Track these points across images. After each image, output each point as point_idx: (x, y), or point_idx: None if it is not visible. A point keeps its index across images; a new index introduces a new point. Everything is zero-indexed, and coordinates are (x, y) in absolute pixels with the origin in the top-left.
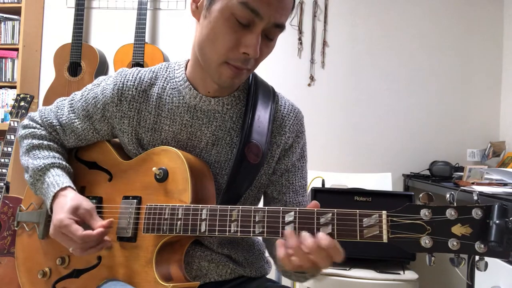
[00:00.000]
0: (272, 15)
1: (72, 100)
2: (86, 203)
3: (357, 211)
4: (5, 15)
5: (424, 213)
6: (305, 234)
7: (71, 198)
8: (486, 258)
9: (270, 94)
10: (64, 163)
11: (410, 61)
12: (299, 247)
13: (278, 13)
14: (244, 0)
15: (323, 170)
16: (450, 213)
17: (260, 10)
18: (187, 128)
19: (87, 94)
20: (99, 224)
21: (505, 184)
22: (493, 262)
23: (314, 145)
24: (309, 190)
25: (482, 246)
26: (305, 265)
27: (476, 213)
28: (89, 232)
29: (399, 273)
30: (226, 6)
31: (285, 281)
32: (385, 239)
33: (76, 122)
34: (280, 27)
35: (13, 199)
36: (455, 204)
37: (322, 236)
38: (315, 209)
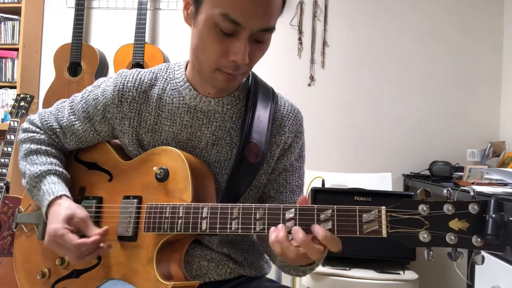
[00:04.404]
0: (254, 23)
1: (72, 102)
2: (80, 212)
3: (357, 207)
4: (5, 15)
5: (422, 208)
6: (296, 229)
7: (65, 208)
8: (484, 253)
9: (270, 94)
10: (60, 169)
11: (410, 61)
12: (286, 241)
13: (261, 19)
14: (224, 11)
15: (323, 170)
16: (448, 208)
17: (241, 20)
18: (187, 128)
19: (88, 96)
20: (95, 232)
21: (505, 184)
22: (493, 262)
23: (314, 145)
24: (309, 190)
25: (479, 240)
26: (295, 257)
27: (473, 208)
28: (84, 240)
29: (399, 273)
30: (209, 17)
31: (285, 281)
32: (384, 234)
33: (76, 124)
34: (268, 30)
35: (13, 199)
36: (452, 200)
37: (317, 229)
38: (315, 205)
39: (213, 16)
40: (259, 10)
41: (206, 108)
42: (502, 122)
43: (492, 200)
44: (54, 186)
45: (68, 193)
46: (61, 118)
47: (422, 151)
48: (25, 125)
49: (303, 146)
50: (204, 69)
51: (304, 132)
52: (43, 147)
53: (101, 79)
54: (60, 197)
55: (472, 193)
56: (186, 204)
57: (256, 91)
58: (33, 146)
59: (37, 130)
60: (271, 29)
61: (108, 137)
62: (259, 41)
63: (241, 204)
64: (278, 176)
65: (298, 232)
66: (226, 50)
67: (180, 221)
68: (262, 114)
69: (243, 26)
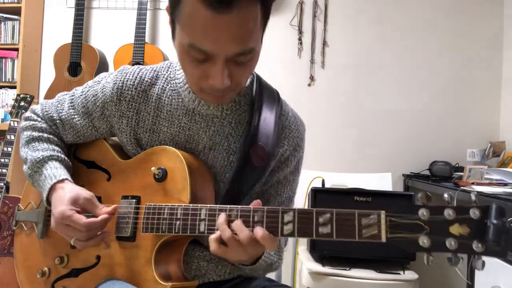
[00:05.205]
0: (226, 49)
1: (73, 95)
2: (85, 193)
3: (356, 211)
4: (5, 15)
5: (422, 213)
6: (238, 225)
7: (69, 190)
8: (484, 259)
9: (275, 97)
10: (62, 156)
11: (410, 61)
12: (233, 239)
13: (234, 44)
14: (191, 42)
15: (323, 170)
16: (448, 213)
17: (209, 49)
18: (185, 131)
19: (87, 91)
20: (103, 211)
21: (505, 184)
22: (493, 262)
23: (314, 145)
24: (309, 190)
25: (480, 245)
26: (240, 257)
27: (474, 213)
28: (93, 219)
29: (399, 273)
30: (181, 44)
31: (285, 280)
32: (383, 239)
33: (75, 118)
34: (245, 53)
35: (13, 199)
36: (453, 204)
37: (258, 229)
38: (314, 209)
39: (184, 44)
40: (229, 36)
41: (204, 112)
42: (502, 122)
43: (494, 205)
44: (56, 171)
45: (70, 178)
46: (61, 111)
47: (422, 151)
48: (27, 114)
49: (300, 159)
50: (192, 88)
51: (305, 146)
52: (45, 135)
53: (102, 75)
54: (62, 181)
55: (473, 198)
56: (184, 206)
57: (261, 94)
58: (35, 134)
59: (39, 119)
60: (249, 51)
61: (107, 134)
62: (240, 63)
63: (240, 206)
64: (270, 187)
65: (244, 230)
66: (204, 73)
67: (178, 222)
68: (268, 116)
69: (214, 54)
